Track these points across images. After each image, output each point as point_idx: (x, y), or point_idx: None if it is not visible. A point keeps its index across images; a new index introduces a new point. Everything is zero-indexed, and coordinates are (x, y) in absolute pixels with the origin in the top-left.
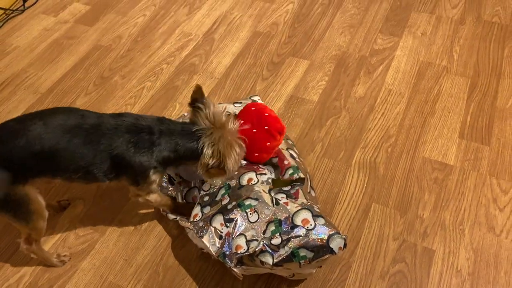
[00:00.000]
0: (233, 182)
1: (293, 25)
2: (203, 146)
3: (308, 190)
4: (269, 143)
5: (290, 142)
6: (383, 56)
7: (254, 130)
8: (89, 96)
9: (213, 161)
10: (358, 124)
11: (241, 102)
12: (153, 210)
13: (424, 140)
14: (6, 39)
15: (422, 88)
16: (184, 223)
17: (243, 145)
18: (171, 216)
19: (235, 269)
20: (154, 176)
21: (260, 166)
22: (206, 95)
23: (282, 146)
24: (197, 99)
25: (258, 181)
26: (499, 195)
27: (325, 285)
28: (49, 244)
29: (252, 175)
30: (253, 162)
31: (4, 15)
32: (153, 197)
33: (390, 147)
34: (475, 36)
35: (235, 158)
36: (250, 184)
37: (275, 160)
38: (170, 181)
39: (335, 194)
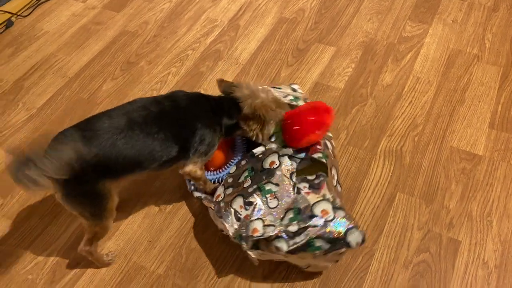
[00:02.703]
0: (257, 165)
1: (320, 11)
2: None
3: (334, 184)
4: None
5: (329, 134)
6: (412, 43)
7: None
8: (115, 81)
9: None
10: (384, 112)
11: (280, 87)
12: (177, 192)
13: (453, 130)
14: (36, 24)
15: (451, 76)
16: (207, 203)
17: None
18: (196, 194)
19: (250, 253)
20: (217, 145)
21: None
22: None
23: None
24: (225, 89)
25: (280, 164)
26: None
27: (347, 273)
28: (74, 225)
29: (274, 157)
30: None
31: (35, 0)
32: (201, 167)
33: (417, 136)
34: (509, 23)
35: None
36: (272, 167)
37: None
38: None
39: (359, 183)
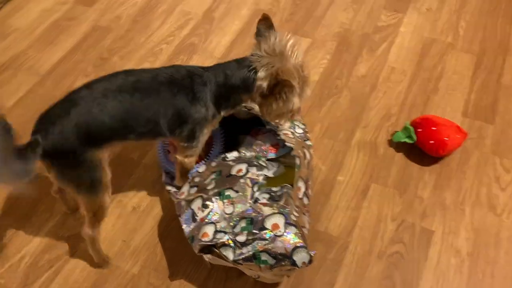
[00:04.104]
0: (226, 170)
1: (295, 2)
2: (255, 70)
3: (300, 196)
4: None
5: (309, 143)
6: (386, 33)
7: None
8: (88, 77)
9: (268, 81)
10: (359, 104)
11: None
12: (152, 190)
13: None
14: (7, 21)
15: (425, 65)
16: (174, 198)
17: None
18: (168, 187)
19: (204, 256)
20: (206, 130)
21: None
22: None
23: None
24: (260, 30)
25: (247, 172)
26: (501, 174)
27: (321, 265)
28: (49, 225)
29: (243, 166)
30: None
31: None
32: (192, 155)
33: (391, 127)
34: (482, 11)
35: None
36: (238, 175)
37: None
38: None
39: (334, 175)
